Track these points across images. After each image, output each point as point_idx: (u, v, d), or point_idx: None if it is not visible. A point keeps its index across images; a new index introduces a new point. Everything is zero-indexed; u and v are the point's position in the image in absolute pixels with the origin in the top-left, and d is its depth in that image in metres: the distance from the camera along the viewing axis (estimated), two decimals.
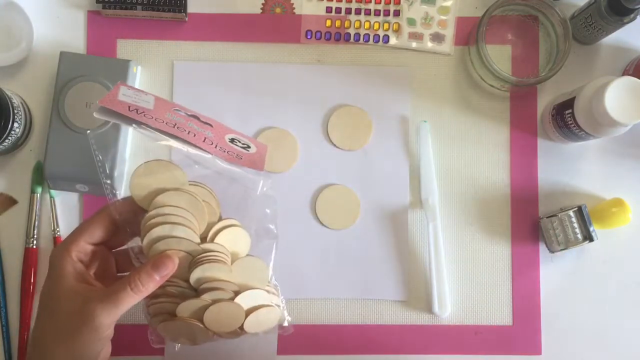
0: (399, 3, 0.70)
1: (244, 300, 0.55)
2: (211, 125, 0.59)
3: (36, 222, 0.67)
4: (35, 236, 0.67)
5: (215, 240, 0.55)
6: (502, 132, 0.70)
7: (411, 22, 0.70)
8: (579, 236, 0.66)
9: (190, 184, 0.55)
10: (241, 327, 0.56)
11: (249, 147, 0.60)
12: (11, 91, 0.65)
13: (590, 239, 0.66)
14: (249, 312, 0.55)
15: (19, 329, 0.66)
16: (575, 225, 0.66)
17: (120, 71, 0.65)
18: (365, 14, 0.70)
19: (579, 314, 0.69)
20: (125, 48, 0.69)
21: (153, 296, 0.54)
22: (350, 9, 0.70)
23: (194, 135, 0.56)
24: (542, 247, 0.69)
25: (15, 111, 0.63)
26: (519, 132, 0.70)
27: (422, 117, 0.69)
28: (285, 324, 0.59)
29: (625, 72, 0.69)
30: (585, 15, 0.65)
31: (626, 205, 0.67)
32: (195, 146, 0.55)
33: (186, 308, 0.54)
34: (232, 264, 0.55)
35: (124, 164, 0.66)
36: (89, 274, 0.53)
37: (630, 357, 0.69)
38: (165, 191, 0.54)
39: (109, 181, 0.55)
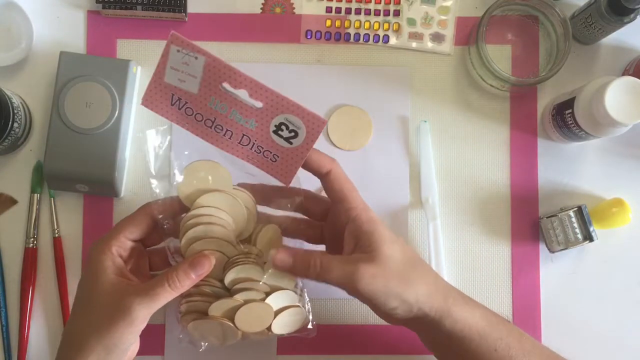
0: (399, 3, 0.70)
1: (274, 301, 0.55)
2: (261, 105, 0.53)
3: (36, 222, 0.67)
4: (35, 236, 0.67)
5: (251, 244, 0.56)
6: (502, 132, 0.70)
7: (411, 22, 0.70)
8: (579, 236, 0.66)
9: (234, 189, 0.55)
10: (269, 328, 0.56)
11: (296, 134, 0.53)
12: (11, 91, 0.65)
13: (590, 239, 0.66)
14: (277, 313, 0.56)
15: (18, 328, 0.66)
16: (575, 225, 0.66)
17: (120, 71, 0.65)
18: (365, 14, 0.70)
19: (579, 313, 0.69)
20: (125, 48, 0.69)
21: (187, 294, 0.55)
22: (350, 9, 0.70)
23: (231, 136, 0.53)
24: (542, 247, 0.69)
25: (15, 111, 0.63)
26: (519, 132, 0.70)
27: (422, 117, 0.69)
28: (310, 325, 0.59)
29: (625, 72, 0.69)
30: (585, 15, 0.65)
31: (626, 205, 0.67)
32: (228, 151, 0.54)
33: (218, 307, 0.54)
34: (264, 265, 0.55)
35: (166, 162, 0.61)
36: (126, 269, 0.54)
37: (630, 356, 0.69)
38: (209, 192, 0.54)
39: (154, 181, 0.55)
